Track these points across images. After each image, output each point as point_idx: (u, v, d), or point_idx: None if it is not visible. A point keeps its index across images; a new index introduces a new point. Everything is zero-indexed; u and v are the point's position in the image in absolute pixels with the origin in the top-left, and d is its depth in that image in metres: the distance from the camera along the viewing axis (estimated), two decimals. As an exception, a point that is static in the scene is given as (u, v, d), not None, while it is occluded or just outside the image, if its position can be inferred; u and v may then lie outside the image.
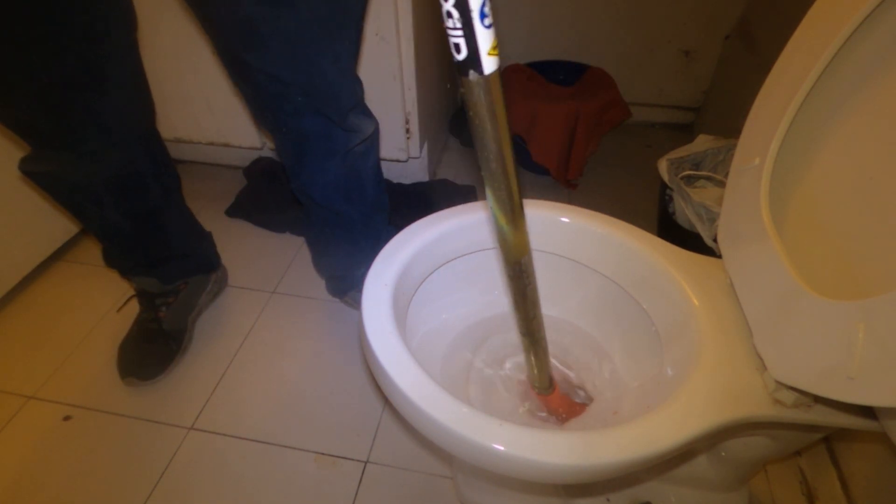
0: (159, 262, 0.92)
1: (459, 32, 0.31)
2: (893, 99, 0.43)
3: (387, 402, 0.90)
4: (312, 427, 0.87)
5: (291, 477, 0.80)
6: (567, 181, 1.36)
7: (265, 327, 1.03)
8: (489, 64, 0.32)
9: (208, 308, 1.06)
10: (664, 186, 1.02)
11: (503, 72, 1.39)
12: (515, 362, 0.68)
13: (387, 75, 1.10)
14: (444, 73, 1.42)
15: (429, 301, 0.66)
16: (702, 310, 0.54)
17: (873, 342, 0.35)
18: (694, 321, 0.54)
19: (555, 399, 0.60)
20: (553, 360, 0.69)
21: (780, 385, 0.46)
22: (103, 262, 0.90)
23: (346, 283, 1.01)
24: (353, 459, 0.82)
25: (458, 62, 0.32)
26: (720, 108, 1.40)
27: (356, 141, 0.77)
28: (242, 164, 1.39)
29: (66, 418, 0.88)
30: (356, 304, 1.02)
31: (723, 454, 0.66)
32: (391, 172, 1.33)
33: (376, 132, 0.81)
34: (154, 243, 0.89)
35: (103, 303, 1.06)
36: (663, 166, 1.00)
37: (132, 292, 0.99)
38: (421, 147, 1.26)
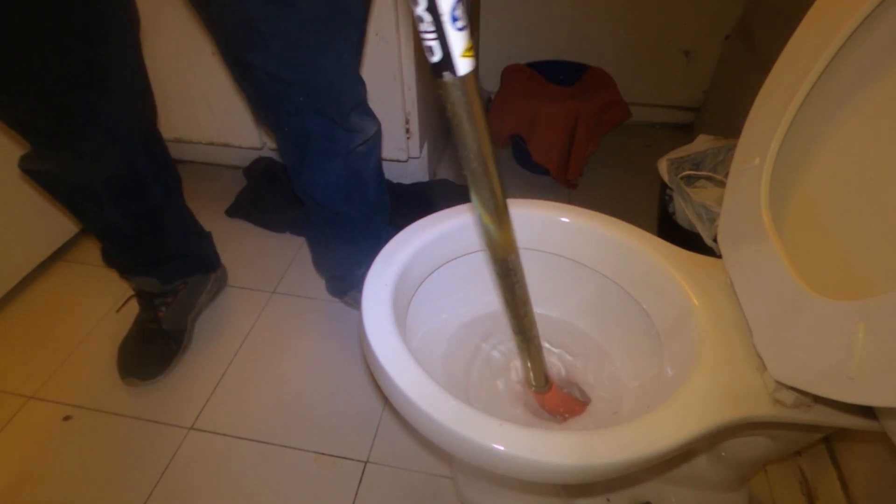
0: (159, 261, 0.92)
1: (432, 36, 0.31)
2: (893, 99, 0.43)
3: (387, 402, 0.90)
4: (312, 427, 0.87)
5: (291, 477, 0.80)
6: (567, 181, 1.36)
7: (265, 327, 1.03)
8: (463, 65, 0.32)
9: (208, 308, 1.06)
10: (664, 186, 1.02)
11: (503, 71, 1.38)
12: (515, 362, 0.68)
13: (387, 75, 1.10)
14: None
15: (429, 301, 0.66)
16: (702, 310, 0.54)
17: (873, 342, 0.35)
18: (694, 321, 0.54)
19: (552, 397, 0.60)
20: (553, 360, 0.69)
21: (780, 385, 0.46)
22: (102, 261, 0.90)
23: (346, 283, 1.01)
24: (353, 459, 0.82)
25: (433, 64, 0.33)
26: (720, 108, 1.40)
27: (358, 141, 0.77)
28: (242, 164, 1.39)
29: (66, 418, 0.88)
30: (356, 304, 1.02)
31: (723, 454, 0.66)
32: (391, 172, 1.33)
33: (378, 133, 0.81)
34: (154, 243, 0.89)
35: (103, 303, 1.06)
36: (663, 166, 1.00)
37: (132, 292, 0.99)
38: (421, 147, 1.26)
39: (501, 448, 0.42)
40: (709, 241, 0.88)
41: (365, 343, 0.51)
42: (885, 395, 0.34)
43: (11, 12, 0.55)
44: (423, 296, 0.64)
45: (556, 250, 0.68)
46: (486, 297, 0.73)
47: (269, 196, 1.29)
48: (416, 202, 1.27)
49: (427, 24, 0.31)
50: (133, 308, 0.99)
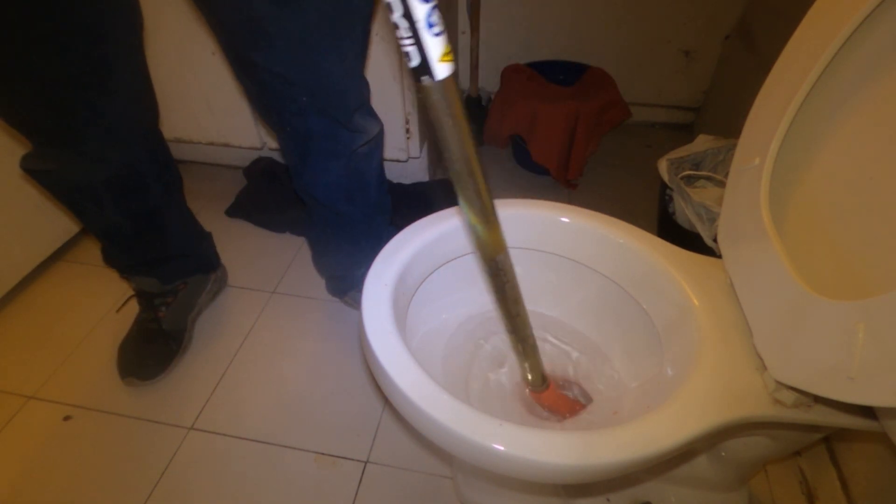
0: (159, 261, 0.92)
1: (409, 41, 0.32)
2: (893, 99, 0.43)
3: (387, 402, 0.90)
4: (312, 427, 0.87)
5: (291, 477, 0.80)
6: (567, 181, 1.36)
7: (265, 327, 1.03)
8: (442, 70, 0.33)
9: (208, 308, 1.06)
10: (664, 186, 1.02)
11: (503, 71, 1.38)
12: (516, 361, 0.68)
13: (387, 75, 1.10)
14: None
15: (429, 301, 0.66)
16: (702, 310, 0.54)
17: (873, 342, 0.35)
18: (694, 321, 0.54)
19: (550, 396, 0.60)
20: (553, 360, 0.69)
21: (780, 385, 0.46)
22: (103, 261, 0.90)
23: (346, 283, 1.01)
24: (353, 459, 0.82)
25: (412, 69, 0.33)
26: (720, 108, 1.40)
27: (361, 142, 0.77)
28: (242, 164, 1.39)
29: (66, 418, 0.88)
30: (356, 304, 1.02)
31: (723, 454, 0.66)
32: (391, 172, 1.32)
33: (381, 133, 0.81)
34: (154, 243, 0.89)
35: (103, 303, 1.06)
36: (663, 166, 1.00)
37: (132, 292, 0.99)
38: (421, 147, 1.26)
39: (501, 448, 0.42)
40: (709, 241, 0.88)
41: (365, 343, 0.51)
42: (885, 395, 0.34)
43: (13, 12, 0.55)
44: (423, 296, 0.64)
45: (556, 250, 0.68)
46: (486, 296, 0.73)
47: (269, 196, 1.29)
48: (416, 202, 1.27)
49: (404, 30, 0.32)
50: (133, 308, 0.99)
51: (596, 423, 0.61)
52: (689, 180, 1.02)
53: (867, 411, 0.48)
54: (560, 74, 1.41)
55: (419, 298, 0.63)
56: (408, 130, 1.20)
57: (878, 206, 0.43)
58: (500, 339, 0.70)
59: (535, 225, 0.66)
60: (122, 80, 0.69)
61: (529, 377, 0.58)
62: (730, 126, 1.13)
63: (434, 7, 0.31)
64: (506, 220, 0.65)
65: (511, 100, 1.32)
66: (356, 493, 0.78)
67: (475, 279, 0.71)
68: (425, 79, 0.33)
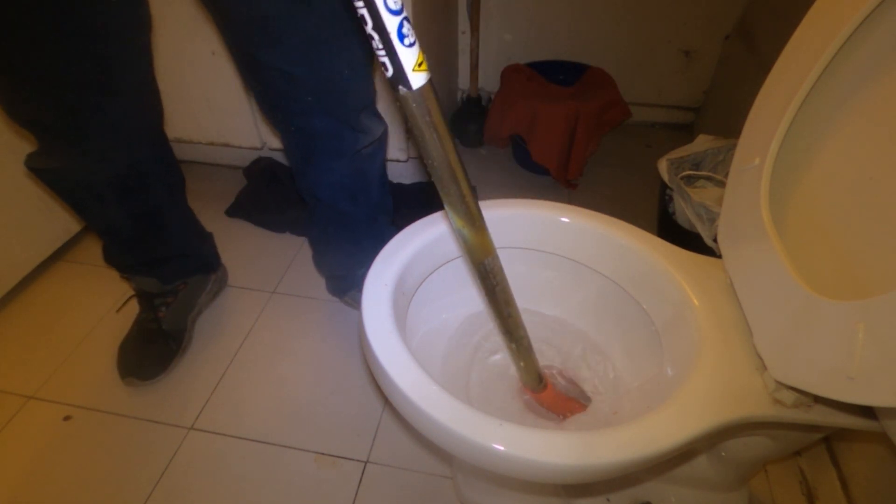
0: (159, 261, 0.92)
1: (382, 53, 0.33)
2: (893, 99, 0.43)
3: (387, 402, 0.90)
4: (312, 427, 0.87)
5: (291, 477, 0.80)
6: (567, 181, 1.36)
7: (265, 327, 1.03)
8: (416, 79, 0.34)
9: (208, 308, 1.06)
10: (664, 186, 1.02)
11: (503, 71, 1.38)
12: (515, 362, 0.68)
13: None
14: (443, 74, 1.42)
15: (429, 301, 0.66)
16: (702, 310, 0.54)
17: (873, 342, 0.35)
18: (694, 321, 0.54)
19: (548, 396, 0.61)
20: (552, 360, 0.69)
21: (780, 385, 0.46)
22: (104, 259, 0.90)
23: (346, 283, 1.01)
24: (353, 459, 0.82)
25: (388, 79, 0.34)
26: (720, 108, 1.40)
27: (365, 142, 0.77)
28: (242, 164, 1.39)
29: (66, 418, 0.88)
30: (356, 303, 1.02)
31: (723, 454, 0.66)
32: (391, 172, 1.32)
33: (385, 134, 0.81)
34: (155, 243, 0.89)
35: (103, 303, 1.06)
36: (663, 166, 1.00)
37: (132, 292, 0.99)
38: (421, 147, 1.26)
39: (501, 448, 0.42)
40: (709, 241, 0.88)
41: (365, 343, 0.51)
42: (885, 395, 0.34)
43: (22, 13, 0.56)
44: (423, 296, 0.64)
45: (556, 250, 0.68)
46: (486, 297, 0.73)
47: (269, 196, 1.29)
48: (416, 202, 1.27)
49: (377, 42, 0.32)
50: (133, 308, 0.99)
51: (596, 423, 0.61)
52: (689, 180, 1.02)
53: (867, 411, 0.48)
54: (560, 74, 1.41)
55: (419, 298, 0.63)
56: (408, 130, 1.20)
57: (878, 206, 0.43)
58: (501, 339, 0.70)
59: (535, 225, 0.66)
60: (129, 81, 0.69)
61: (526, 377, 0.58)
62: (730, 126, 1.13)
63: (405, 19, 0.32)
64: (506, 221, 0.65)
65: (511, 100, 1.32)
66: (356, 493, 0.78)
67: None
68: (401, 89, 0.34)
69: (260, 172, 1.34)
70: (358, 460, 0.82)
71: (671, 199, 1.00)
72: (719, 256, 0.60)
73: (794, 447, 0.70)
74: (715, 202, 0.90)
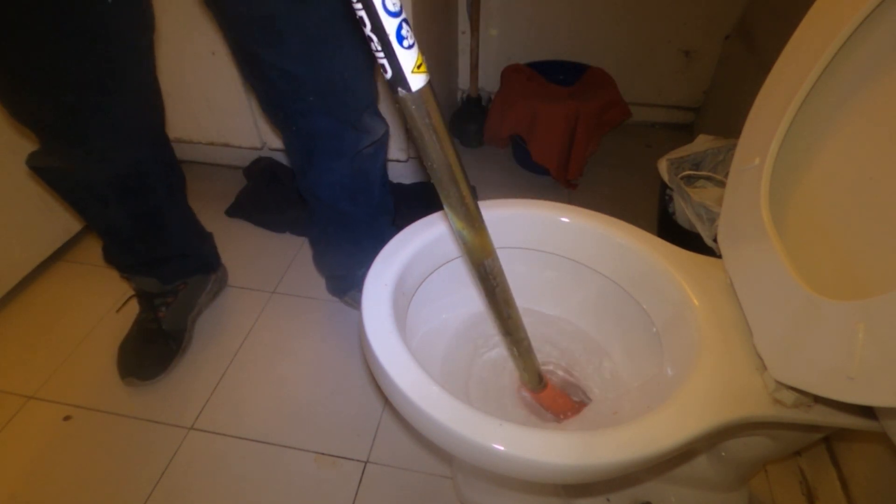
0: (159, 261, 0.92)
1: (381, 55, 0.33)
2: (893, 99, 0.43)
3: (387, 402, 0.90)
4: (312, 427, 0.87)
5: (291, 477, 0.80)
6: (567, 181, 1.36)
7: (265, 327, 1.03)
8: (416, 81, 0.33)
9: (208, 308, 1.06)
10: (664, 186, 1.02)
11: (503, 71, 1.38)
12: (515, 362, 0.68)
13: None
14: (443, 74, 1.42)
15: (429, 301, 0.66)
16: (702, 310, 0.54)
17: (873, 342, 0.35)
18: (694, 321, 0.54)
19: (548, 396, 0.61)
20: (553, 360, 0.69)
21: (780, 385, 0.46)
22: (104, 259, 0.90)
23: (346, 283, 1.01)
24: (353, 459, 0.82)
25: (387, 81, 0.34)
26: (720, 108, 1.40)
27: (366, 142, 0.77)
28: (242, 164, 1.39)
29: (66, 418, 0.88)
30: (356, 303, 1.02)
31: (723, 454, 0.66)
32: (391, 172, 1.32)
33: (386, 134, 0.81)
34: (155, 242, 0.89)
35: (103, 303, 1.06)
36: (663, 166, 1.00)
37: (132, 292, 0.99)
38: (421, 147, 1.26)
39: (501, 448, 0.42)
40: (709, 241, 0.88)
41: (365, 343, 0.51)
42: (885, 395, 0.34)
43: (22, 13, 0.56)
44: (423, 296, 0.64)
45: (556, 250, 0.68)
46: (486, 297, 0.73)
47: (269, 196, 1.29)
48: (416, 202, 1.27)
49: (376, 44, 0.32)
50: (133, 308, 0.99)
51: (596, 423, 0.61)
52: (689, 180, 1.02)
53: (867, 411, 0.48)
54: (560, 74, 1.41)
55: (419, 298, 0.63)
56: (408, 131, 1.20)
57: (878, 206, 0.43)
58: (500, 339, 0.70)
59: (536, 225, 0.66)
60: (130, 81, 0.69)
61: (526, 377, 0.58)
62: (730, 126, 1.13)
63: (403, 21, 0.32)
64: (506, 221, 0.65)
65: (511, 100, 1.32)
66: (356, 494, 0.78)
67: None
68: (401, 90, 0.34)
69: (260, 172, 1.34)
70: (358, 460, 0.82)
71: (671, 199, 1.00)
72: (719, 256, 0.60)
73: (794, 447, 0.70)
74: (715, 202, 0.90)
